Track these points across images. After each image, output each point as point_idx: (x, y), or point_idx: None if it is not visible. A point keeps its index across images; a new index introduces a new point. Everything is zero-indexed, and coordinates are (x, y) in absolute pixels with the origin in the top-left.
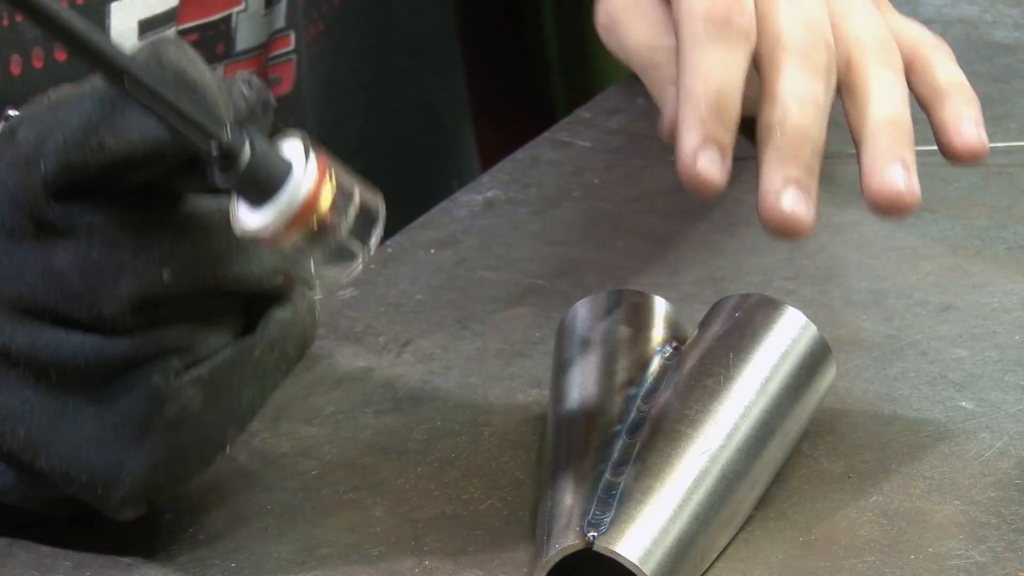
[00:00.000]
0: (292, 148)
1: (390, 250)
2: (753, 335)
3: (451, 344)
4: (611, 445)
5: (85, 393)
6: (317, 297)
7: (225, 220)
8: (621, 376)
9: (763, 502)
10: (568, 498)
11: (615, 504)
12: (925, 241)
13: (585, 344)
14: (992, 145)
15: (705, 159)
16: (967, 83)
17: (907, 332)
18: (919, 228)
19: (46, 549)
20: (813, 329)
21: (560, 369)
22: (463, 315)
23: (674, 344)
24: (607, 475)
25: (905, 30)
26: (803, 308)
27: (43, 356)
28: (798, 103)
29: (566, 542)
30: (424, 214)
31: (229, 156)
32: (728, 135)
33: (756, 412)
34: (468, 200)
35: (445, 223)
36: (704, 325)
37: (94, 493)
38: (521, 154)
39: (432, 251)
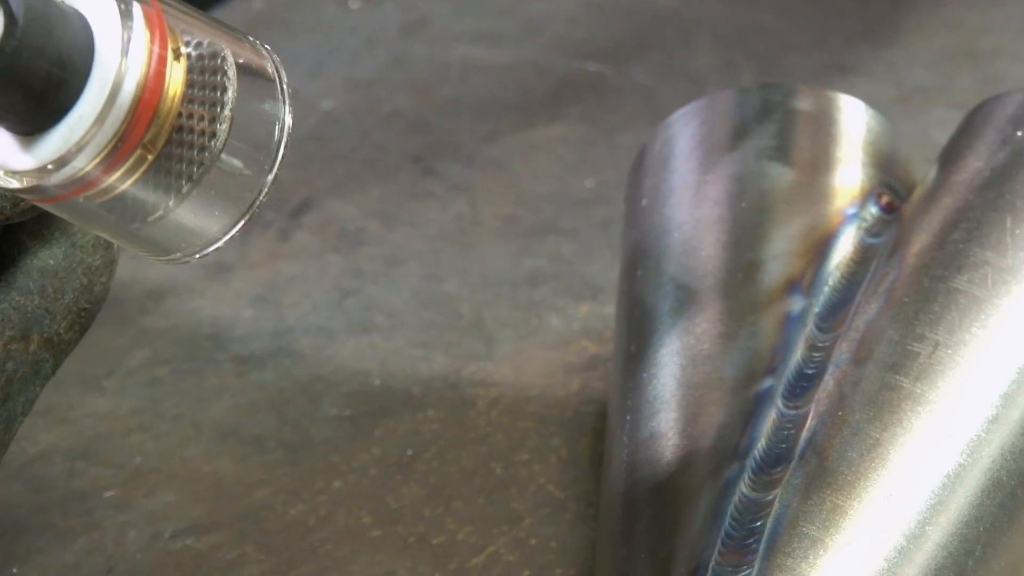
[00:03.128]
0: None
1: None
2: None
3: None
4: (751, 420)
5: None
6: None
7: None
8: (773, 270)
9: None
10: (661, 536)
11: (760, 550)
12: None
13: (694, 201)
14: None
15: None
16: None
17: None
18: None
19: None
20: None
21: (640, 257)
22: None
23: (886, 200)
24: (744, 487)
25: None
26: None
27: None
28: None
29: None
30: None
31: None
32: None
33: None
34: None
35: None
36: (951, 158)
37: None
38: None
39: None
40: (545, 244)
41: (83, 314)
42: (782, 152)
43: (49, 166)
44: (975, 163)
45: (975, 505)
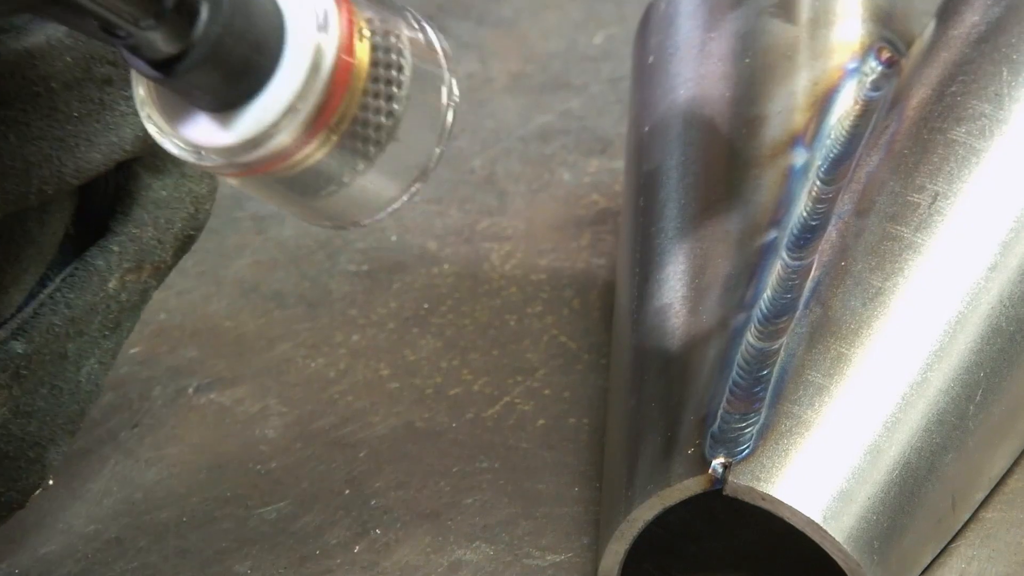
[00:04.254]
0: None
1: None
2: None
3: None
4: (756, 271)
5: None
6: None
7: (77, 69)
8: (777, 125)
9: None
10: (670, 385)
11: (767, 398)
12: None
13: (699, 59)
14: None
15: None
16: None
17: None
18: None
19: None
20: None
21: (647, 114)
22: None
23: (886, 55)
24: (750, 336)
25: None
26: None
27: None
28: None
29: (667, 480)
30: None
31: (181, 17)
32: None
33: None
34: None
35: None
36: (948, 13)
37: None
38: None
39: None
40: (555, 100)
41: (188, 240)
42: (784, 9)
43: (250, 143)
44: (971, 17)
45: (975, 351)
